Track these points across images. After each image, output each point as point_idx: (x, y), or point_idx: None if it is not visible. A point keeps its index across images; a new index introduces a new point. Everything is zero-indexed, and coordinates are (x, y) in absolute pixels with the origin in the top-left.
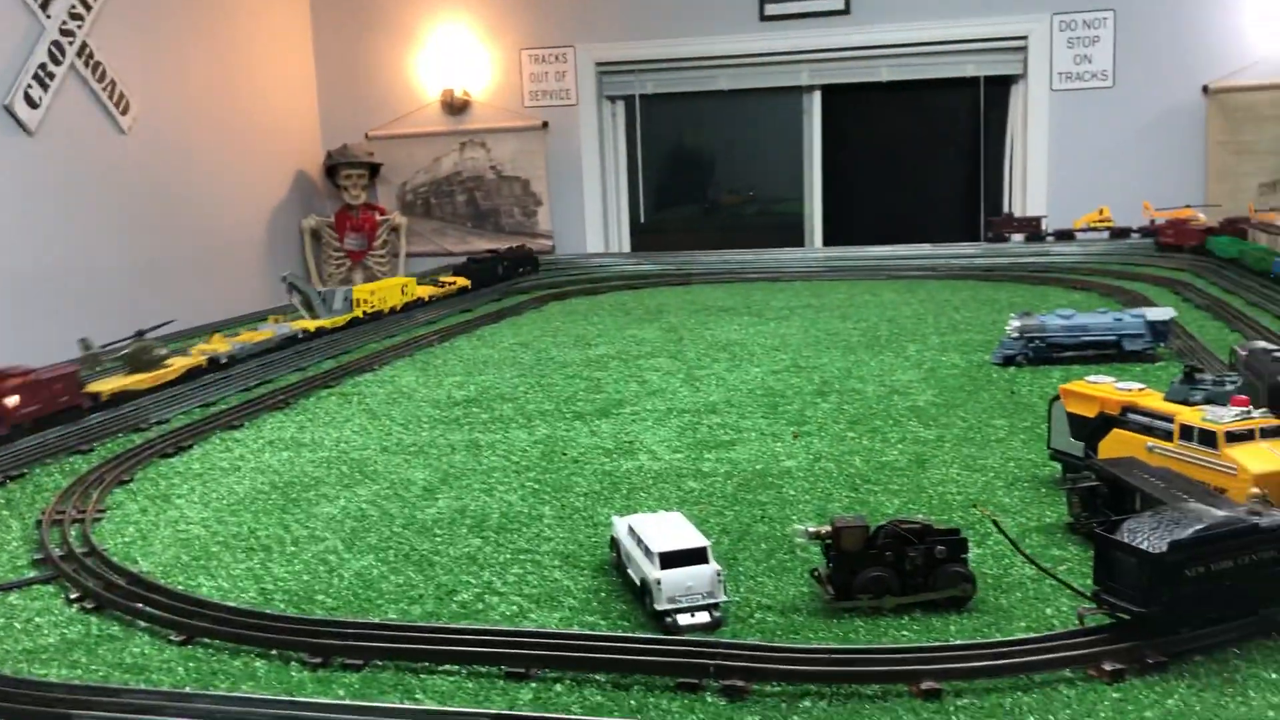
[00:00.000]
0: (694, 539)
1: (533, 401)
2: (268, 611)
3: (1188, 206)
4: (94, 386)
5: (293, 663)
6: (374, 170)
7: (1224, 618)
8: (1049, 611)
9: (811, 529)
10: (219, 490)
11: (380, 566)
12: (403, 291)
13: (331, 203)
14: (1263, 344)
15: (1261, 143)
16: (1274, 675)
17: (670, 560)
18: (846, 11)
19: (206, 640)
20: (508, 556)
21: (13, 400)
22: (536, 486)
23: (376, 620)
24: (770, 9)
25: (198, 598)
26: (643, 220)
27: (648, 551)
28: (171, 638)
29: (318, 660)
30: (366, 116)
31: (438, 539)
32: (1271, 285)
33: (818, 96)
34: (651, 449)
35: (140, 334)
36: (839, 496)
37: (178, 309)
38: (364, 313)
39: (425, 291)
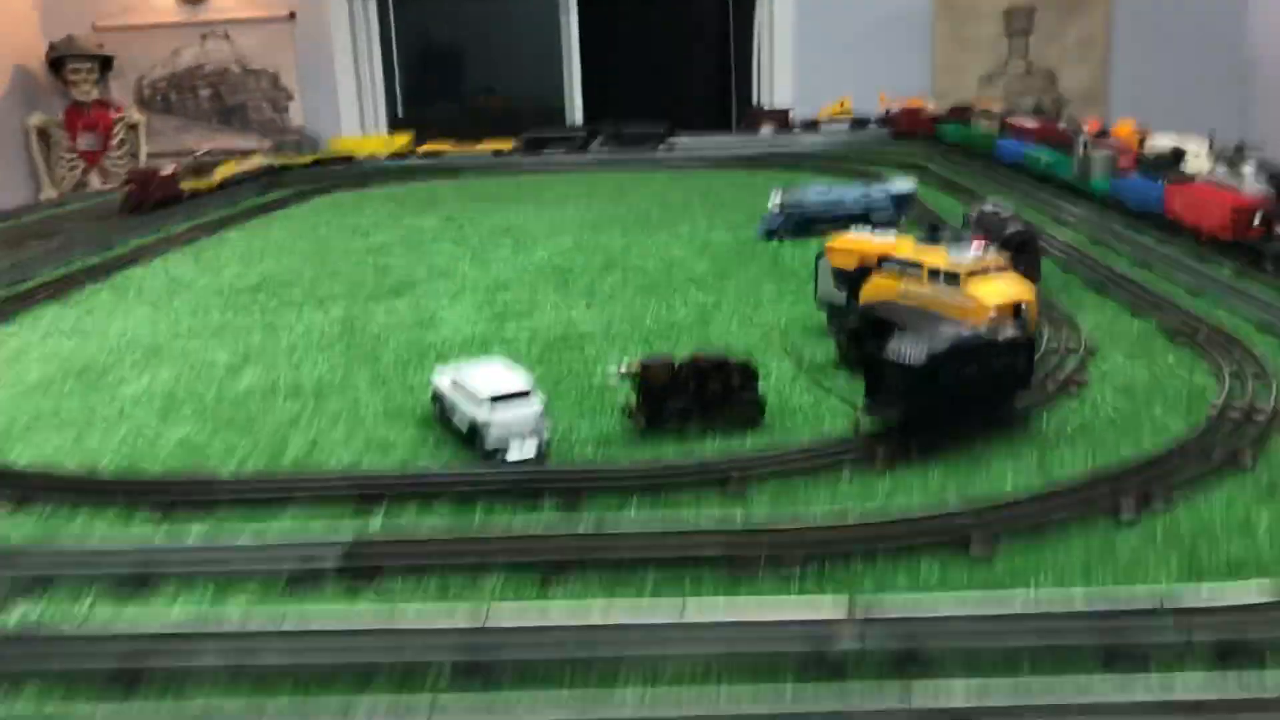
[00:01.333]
0: (518, 381)
1: (321, 286)
2: (100, 476)
3: (918, 96)
4: None
5: (135, 518)
6: (105, 64)
7: (970, 416)
8: (825, 429)
9: (622, 368)
10: (7, 378)
11: (201, 434)
12: None
13: (59, 100)
14: (990, 206)
15: (982, 38)
16: (1008, 459)
17: (497, 402)
18: None
19: (41, 505)
20: (328, 418)
21: None
22: (344, 359)
23: (212, 475)
24: None
25: (20, 469)
26: (400, 115)
27: (474, 396)
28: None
29: (160, 514)
30: (93, 4)
31: (254, 408)
32: (993, 164)
33: None
34: (452, 322)
35: None
36: (635, 351)
37: None
38: None
39: None
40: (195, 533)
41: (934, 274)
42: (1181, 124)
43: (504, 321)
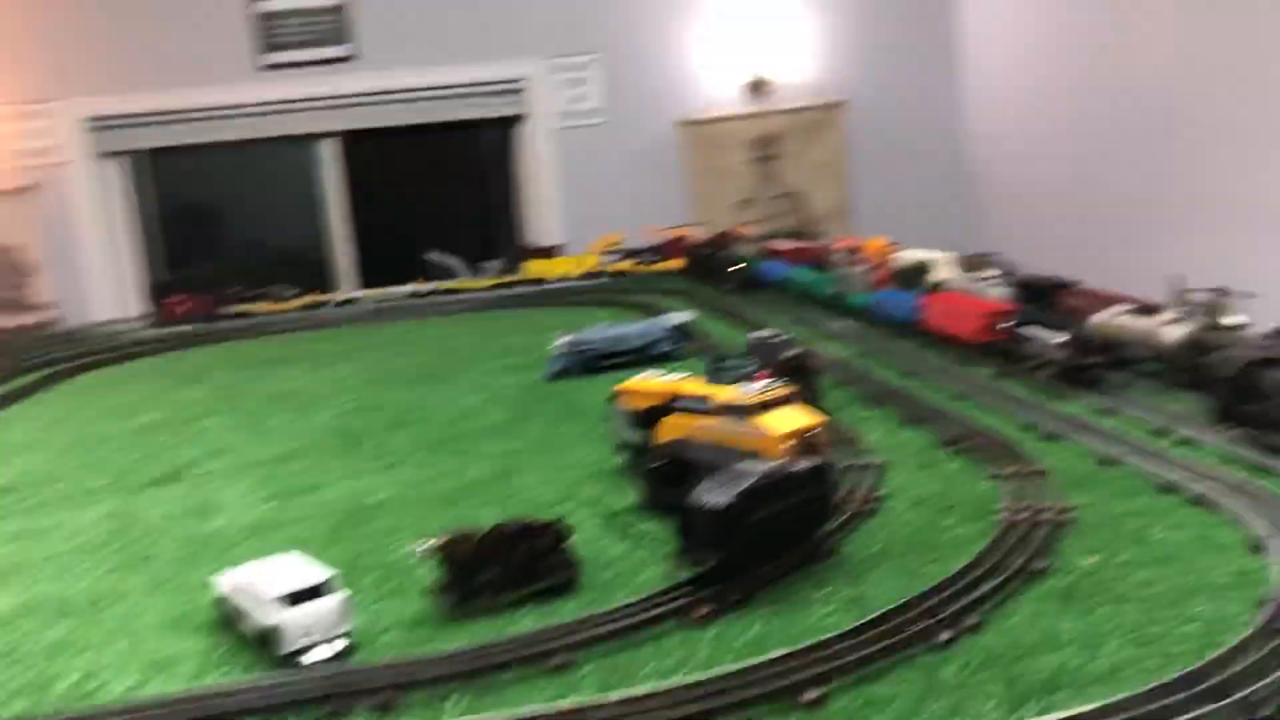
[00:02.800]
0: (313, 574)
1: (85, 479)
2: None
3: (683, 226)
4: None
5: None
6: None
7: (781, 552)
8: (642, 579)
9: (426, 545)
10: None
11: None
12: None
13: None
14: (765, 333)
15: (732, 165)
16: (819, 592)
17: (292, 600)
18: (350, 59)
19: None
20: (104, 636)
21: None
22: (115, 563)
23: None
24: (270, 58)
25: None
26: (158, 280)
27: (263, 597)
28: None
29: None
30: None
31: (11, 636)
32: (757, 287)
33: (332, 143)
34: (232, 506)
35: None
36: (435, 517)
37: None
38: None
39: None
40: None
41: (723, 409)
42: (920, 238)
43: (289, 499)
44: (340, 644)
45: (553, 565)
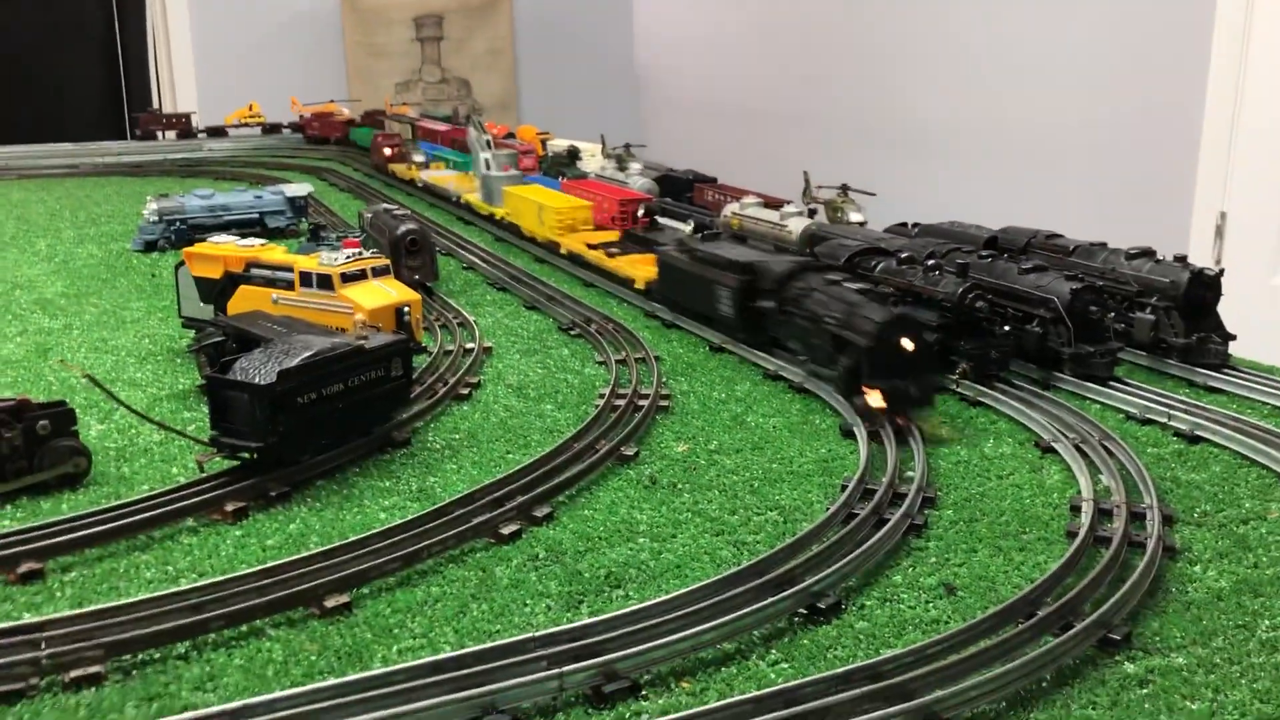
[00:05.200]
0: None
1: None
2: None
3: (331, 101)
4: None
5: None
6: None
7: (341, 440)
8: (175, 470)
9: None
10: None
11: None
12: None
13: None
14: (384, 206)
15: (393, 45)
16: (385, 483)
17: None
18: None
19: None
20: None
21: None
22: None
23: None
24: None
25: None
26: None
27: None
28: None
29: None
30: None
31: None
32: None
33: None
34: None
35: None
36: None
37: None
38: None
39: None
40: None
41: (305, 279)
42: (584, 130)
43: None
44: None
45: (55, 453)
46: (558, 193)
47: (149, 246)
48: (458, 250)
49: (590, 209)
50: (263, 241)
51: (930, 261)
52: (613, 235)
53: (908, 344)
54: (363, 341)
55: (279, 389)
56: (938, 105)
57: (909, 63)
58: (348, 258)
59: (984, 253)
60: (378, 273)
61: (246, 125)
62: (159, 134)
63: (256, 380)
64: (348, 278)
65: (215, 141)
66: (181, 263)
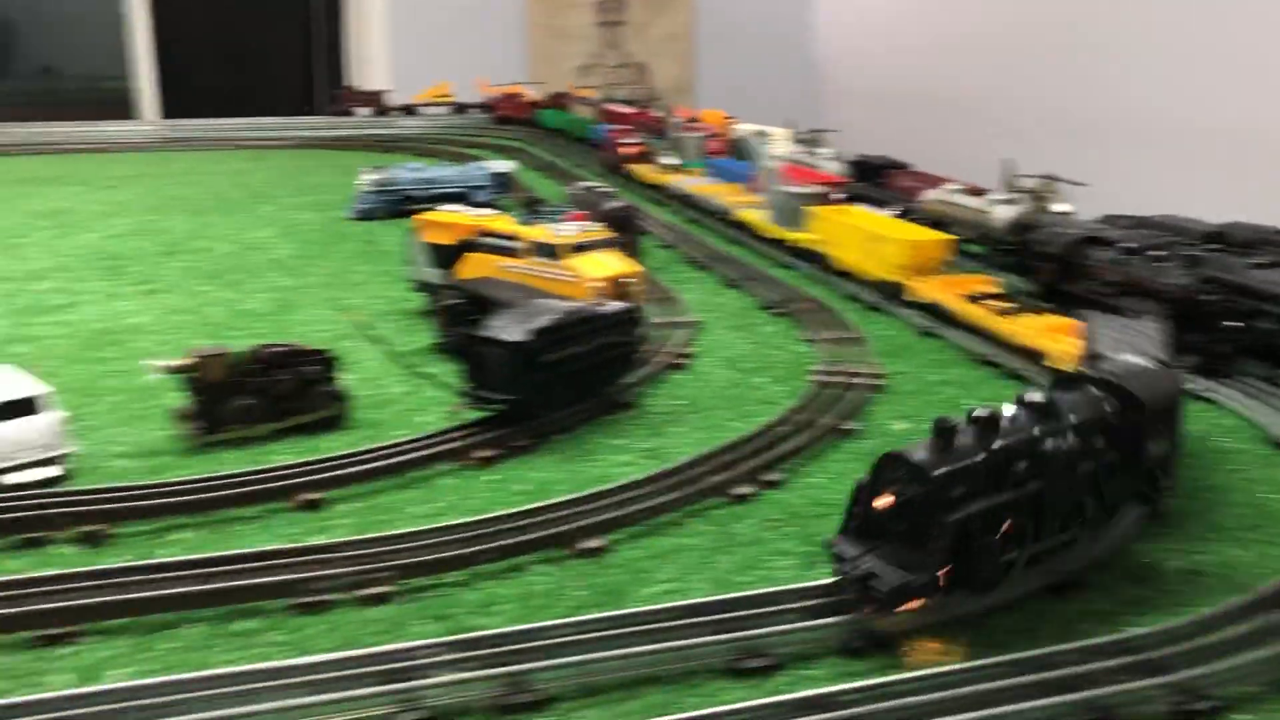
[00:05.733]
0: (23, 388)
1: None
2: None
3: (518, 83)
4: None
5: None
6: None
7: (577, 399)
8: (421, 420)
9: (168, 363)
10: None
11: None
12: None
13: None
14: (587, 184)
15: (575, 28)
16: (617, 441)
17: None
18: None
19: None
20: None
21: None
22: None
23: None
24: None
25: None
26: None
27: None
28: None
29: None
30: None
31: None
32: (590, 149)
33: None
34: None
35: None
36: (198, 344)
37: None
38: None
39: None
40: None
41: (534, 249)
42: (759, 114)
43: (33, 316)
44: (55, 468)
45: (319, 398)
46: (898, 220)
47: (365, 215)
48: (649, 228)
49: (951, 244)
50: (493, 211)
51: (1156, 253)
52: (992, 284)
53: None
54: (602, 308)
55: (532, 346)
56: (1143, 96)
57: (1114, 52)
58: (575, 230)
59: (1207, 247)
60: (602, 245)
61: (436, 104)
62: (352, 110)
63: (510, 338)
64: (575, 249)
65: (407, 119)
66: (415, 230)
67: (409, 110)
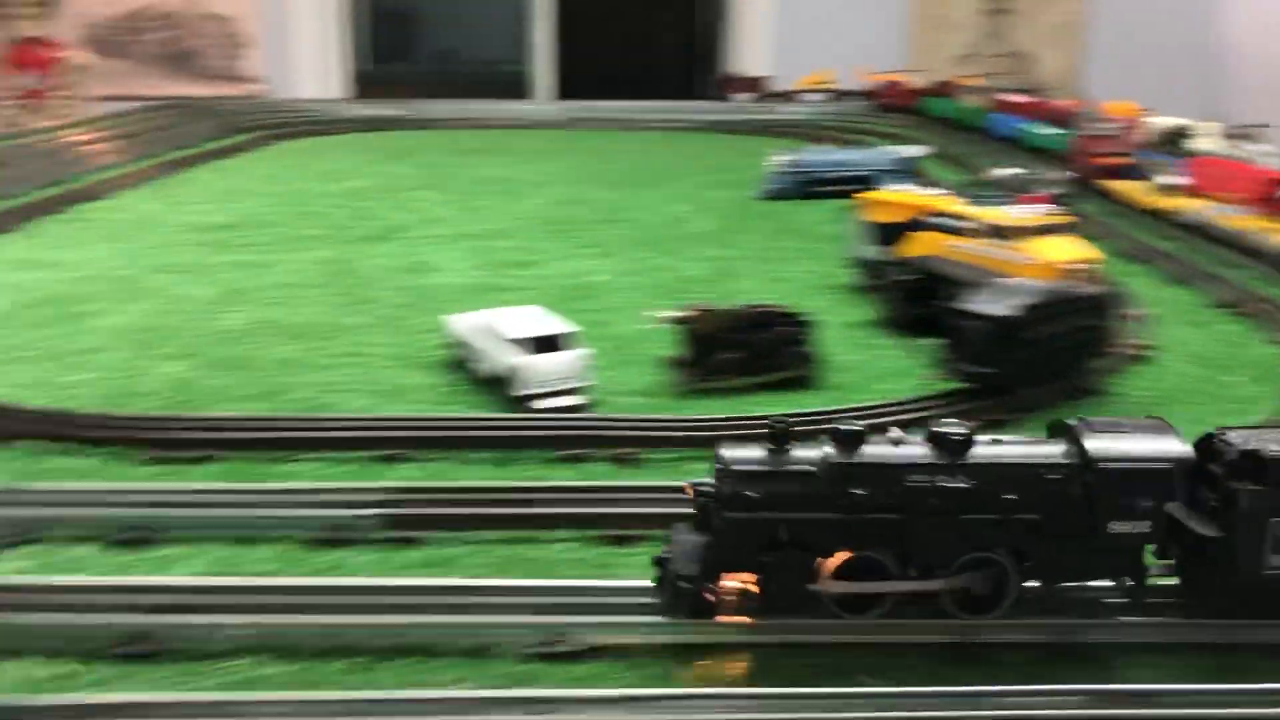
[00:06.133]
0: (555, 325)
1: (301, 227)
2: (81, 413)
3: (901, 71)
4: None
5: (125, 459)
6: None
7: (1048, 380)
8: (879, 387)
9: (670, 314)
10: None
11: (190, 371)
12: None
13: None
14: (1012, 169)
15: (956, 18)
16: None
17: (534, 346)
18: None
19: (13, 444)
20: (330, 359)
21: None
22: (338, 300)
23: (211, 415)
24: None
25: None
26: (366, 68)
27: (508, 341)
28: None
29: (155, 455)
30: None
31: (245, 346)
32: (984, 137)
33: None
34: (447, 268)
35: None
36: (657, 304)
37: None
38: None
39: None
40: (199, 476)
41: (986, 229)
42: (1154, 106)
43: (505, 269)
44: (578, 397)
45: (793, 357)
46: None
47: (775, 195)
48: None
49: None
50: (942, 191)
51: None
52: None
53: None
54: (1080, 290)
55: (1017, 321)
56: None
57: None
58: (1038, 213)
59: None
60: (1060, 230)
61: (815, 91)
62: (731, 95)
63: (995, 312)
64: (1033, 231)
65: (786, 105)
66: (858, 207)
67: (788, 96)
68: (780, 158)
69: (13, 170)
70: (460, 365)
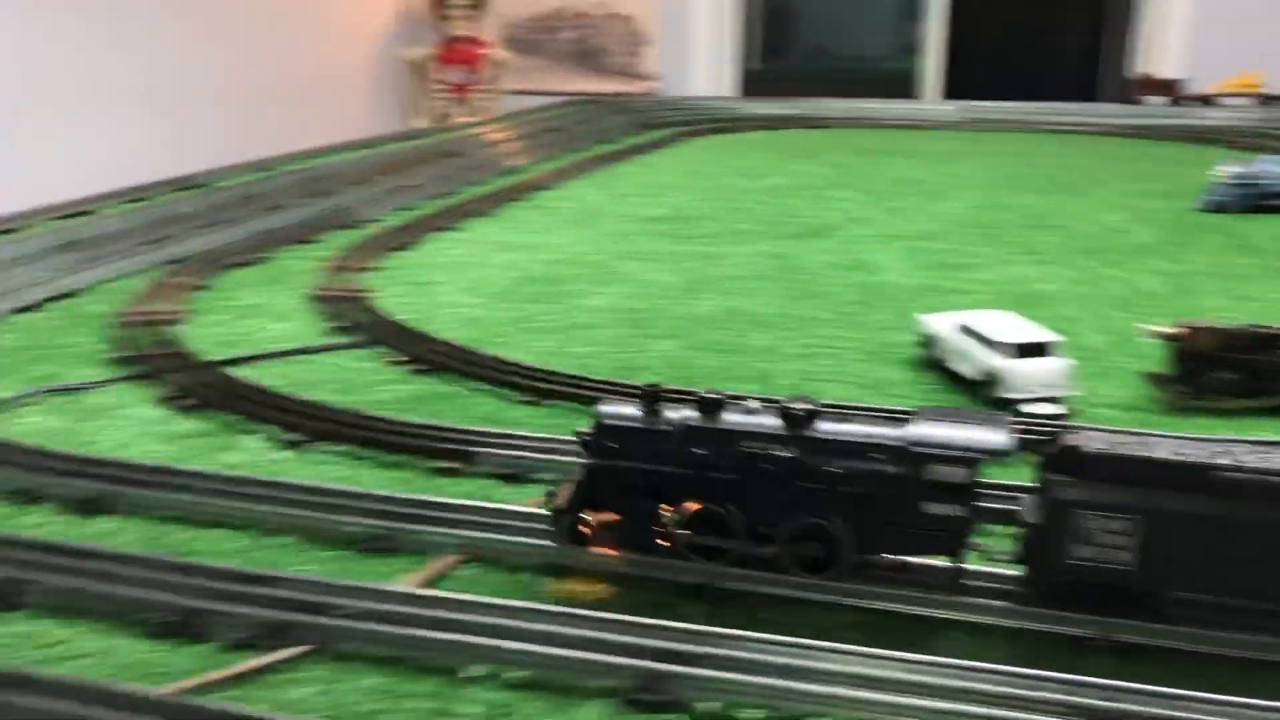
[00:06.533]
0: (1040, 333)
1: (735, 222)
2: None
3: None
4: None
5: None
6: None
7: None
8: None
9: (1163, 329)
10: (472, 281)
11: (682, 351)
12: None
13: (431, 33)
14: None
15: None
16: None
17: (1021, 351)
18: None
19: (563, 404)
20: (802, 349)
21: None
22: (794, 293)
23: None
24: None
25: (543, 368)
26: (756, 66)
27: (992, 343)
28: (520, 400)
29: None
30: None
31: (723, 331)
32: None
33: None
34: (889, 267)
35: None
36: (1115, 316)
37: (280, 132)
38: None
39: None
40: None
41: None
42: None
43: (945, 271)
44: (1059, 406)
45: None
46: None
47: (1216, 207)
48: None
49: None
50: None
51: None
52: None
53: None
54: None
55: None
56: None
57: None
58: None
59: None
60: None
61: (1239, 95)
62: (1142, 99)
63: None
64: None
65: (1204, 110)
66: None
67: (1206, 100)
68: (1227, 168)
69: (465, 160)
70: (934, 364)
